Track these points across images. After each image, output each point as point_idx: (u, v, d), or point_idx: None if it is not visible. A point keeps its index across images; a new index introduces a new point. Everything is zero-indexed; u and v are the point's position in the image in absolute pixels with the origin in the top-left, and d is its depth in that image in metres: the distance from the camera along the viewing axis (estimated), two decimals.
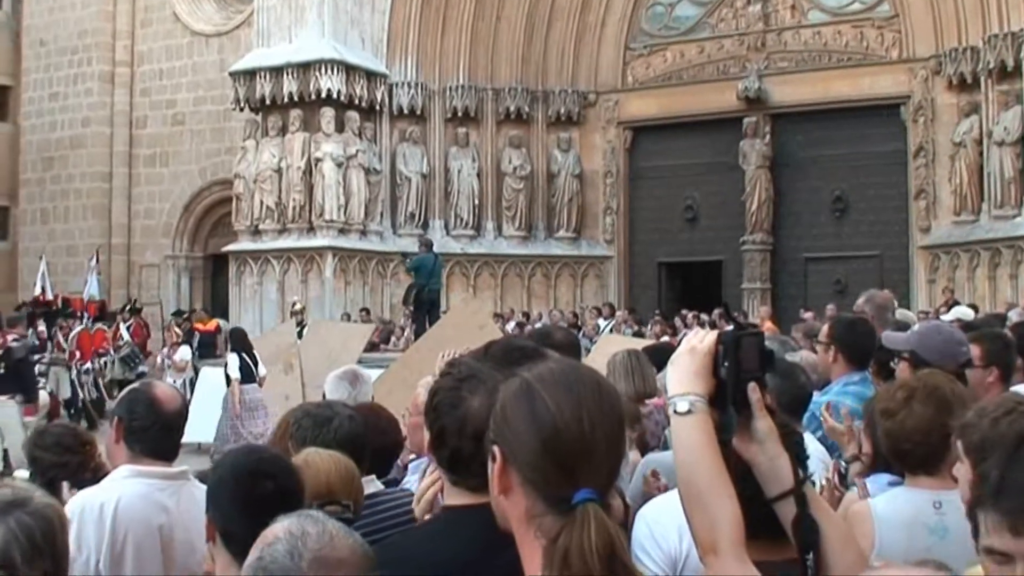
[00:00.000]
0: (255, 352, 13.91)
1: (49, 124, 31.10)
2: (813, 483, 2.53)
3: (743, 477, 2.12)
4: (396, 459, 4.36)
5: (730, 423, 2.10)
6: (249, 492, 2.59)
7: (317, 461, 3.00)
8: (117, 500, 3.43)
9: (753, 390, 2.10)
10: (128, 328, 22.98)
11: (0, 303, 25.68)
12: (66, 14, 30.54)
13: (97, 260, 26.18)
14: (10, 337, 15.08)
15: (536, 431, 1.72)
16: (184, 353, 18.48)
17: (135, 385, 3.85)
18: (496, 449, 1.77)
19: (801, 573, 2.12)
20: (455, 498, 2.40)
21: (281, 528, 1.81)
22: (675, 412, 2.04)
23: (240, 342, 14.21)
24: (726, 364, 2.08)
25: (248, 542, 2.02)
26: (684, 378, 2.07)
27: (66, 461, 3.78)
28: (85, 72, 30.48)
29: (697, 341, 2.11)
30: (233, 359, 13.90)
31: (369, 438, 3.65)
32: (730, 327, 2.15)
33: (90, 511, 3.36)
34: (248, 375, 13.76)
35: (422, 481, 2.85)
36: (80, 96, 30.53)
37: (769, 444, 2.13)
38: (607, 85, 24.97)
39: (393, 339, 19.76)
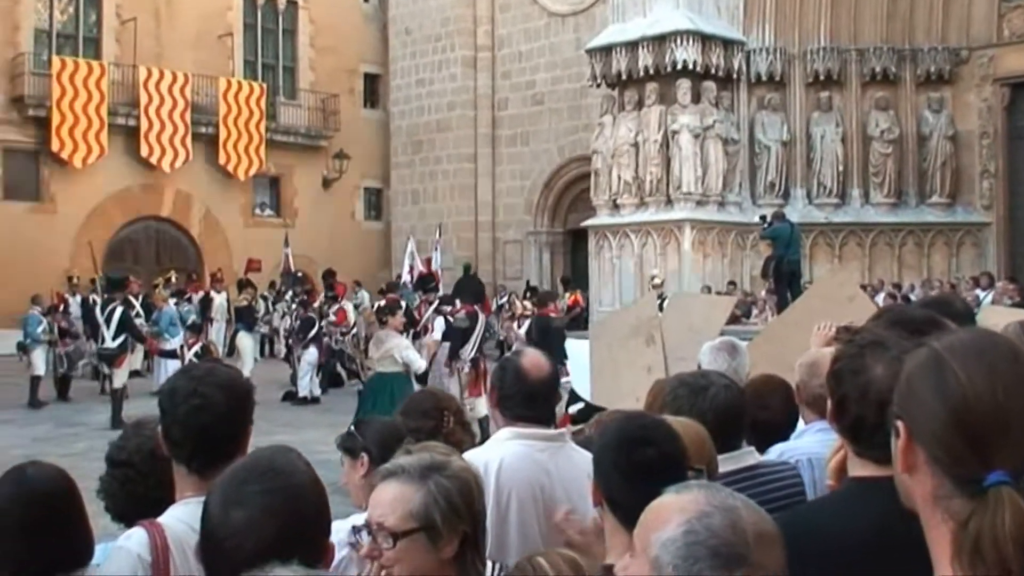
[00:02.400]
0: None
1: (417, 109, 32.82)
2: None
3: None
4: (787, 433, 4.16)
5: None
6: (630, 458, 2.57)
7: None
8: (500, 460, 3.48)
9: None
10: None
11: (377, 279, 27.40)
12: (429, 3, 32.12)
13: (439, 236, 27.23)
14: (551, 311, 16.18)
15: (944, 405, 1.55)
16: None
17: (508, 354, 3.97)
18: (900, 424, 1.62)
19: None
20: (859, 469, 2.34)
21: (701, 499, 1.69)
22: None
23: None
24: None
25: (632, 508, 1.98)
26: None
27: (420, 426, 3.81)
28: (449, 58, 31.91)
29: None
30: (440, 322, 15.90)
31: (748, 409, 3.55)
32: None
33: None
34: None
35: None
36: (445, 81, 31.99)
37: None
38: (981, 40, 23.33)
39: (755, 312, 19.38)
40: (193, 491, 2.63)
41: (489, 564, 2.64)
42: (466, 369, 14.38)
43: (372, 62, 35.06)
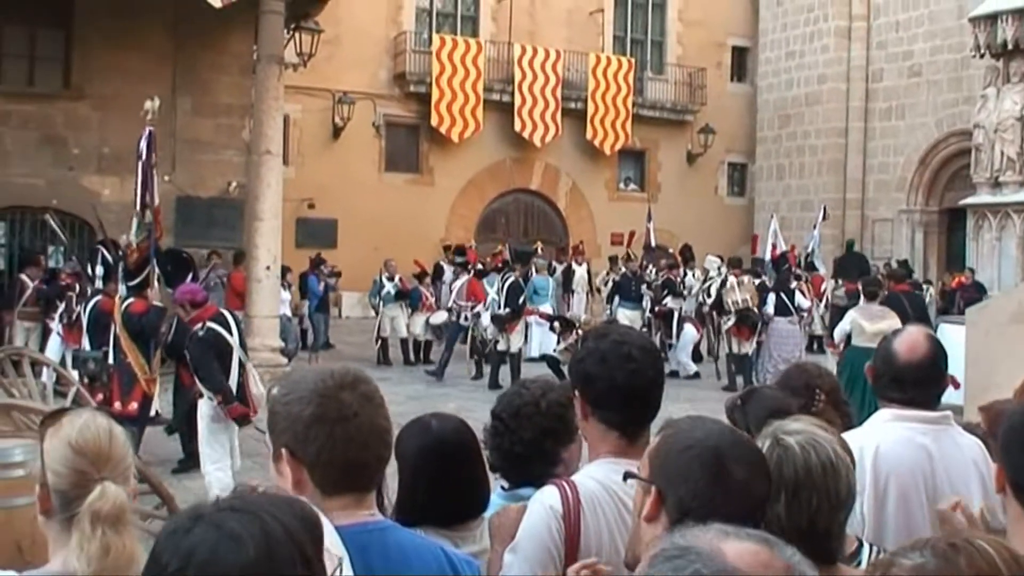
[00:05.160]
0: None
1: (785, 82, 32.17)
2: None
3: None
4: None
5: None
6: None
7: None
8: (876, 445, 3.36)
9: None
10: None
11: (739, 256, 27.09)
12: None
13: (824, 217, 26.23)
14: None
15: None
16: None
17: (889, 332, 3.80)
18: None
19: None
20: None
21: None
22: None
23: (781, 285, 17.96)
24: None
25: None
26: None
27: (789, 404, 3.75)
28: (821, 29, 31.04)
29: None
30: (771, 298, 17.45)
31: None
32: None
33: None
34: (783, 310, 17.34)
35: None
36: (816, 53, 31.16)
37: None
38: None
39: None
40: (611, 451, 2.70)
41: (867, 546, 2.60)
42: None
43: (741, 35, 34.58)
